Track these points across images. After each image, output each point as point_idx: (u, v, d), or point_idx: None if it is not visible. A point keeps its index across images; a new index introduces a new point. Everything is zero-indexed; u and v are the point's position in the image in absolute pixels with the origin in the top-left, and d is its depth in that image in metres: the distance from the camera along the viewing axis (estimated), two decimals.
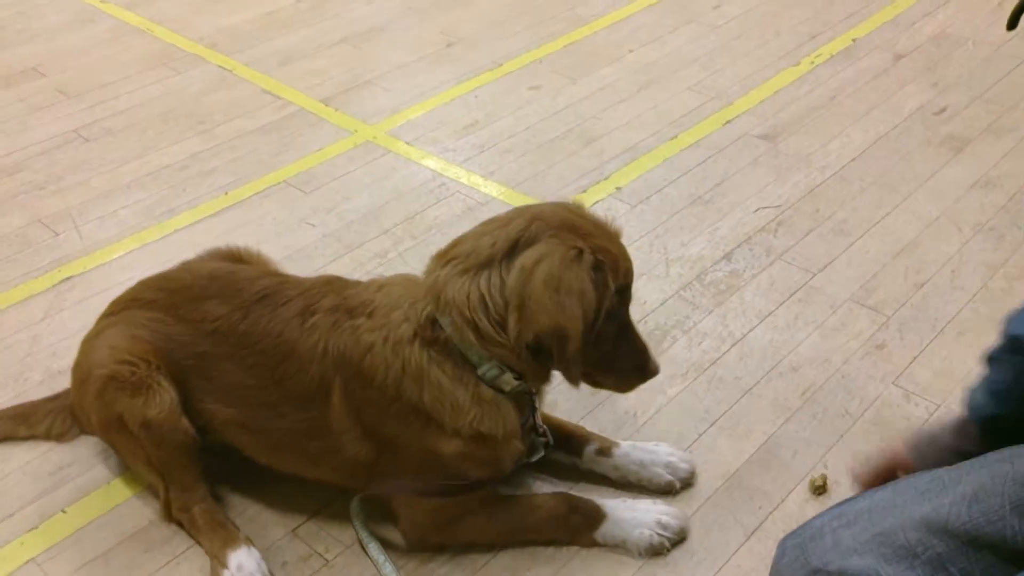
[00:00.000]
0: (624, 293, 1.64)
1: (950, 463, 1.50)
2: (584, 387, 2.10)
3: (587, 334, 1.55)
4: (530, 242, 1.56)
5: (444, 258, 1.64)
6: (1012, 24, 1.44)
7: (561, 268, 1.52)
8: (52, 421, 2.04)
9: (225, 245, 2.07)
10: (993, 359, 1.45)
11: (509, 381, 1.65)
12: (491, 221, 1.65)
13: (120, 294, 1.95)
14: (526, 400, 1.74)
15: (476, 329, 1.58)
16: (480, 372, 1.63)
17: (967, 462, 1.36)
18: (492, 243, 1.58)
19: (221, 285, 1.82)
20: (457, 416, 1.64)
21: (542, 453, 1.82)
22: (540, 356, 1.59)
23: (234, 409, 1.80)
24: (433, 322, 1.62)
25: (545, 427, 1.82)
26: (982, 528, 1.24)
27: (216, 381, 1.80)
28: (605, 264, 1.56)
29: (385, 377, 1.64)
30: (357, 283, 1.79)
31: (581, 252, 1.54)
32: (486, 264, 1.58)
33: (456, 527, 1.77)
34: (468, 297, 1.57)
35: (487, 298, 1.56)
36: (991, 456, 1.33)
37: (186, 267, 1.98)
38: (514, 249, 1.56)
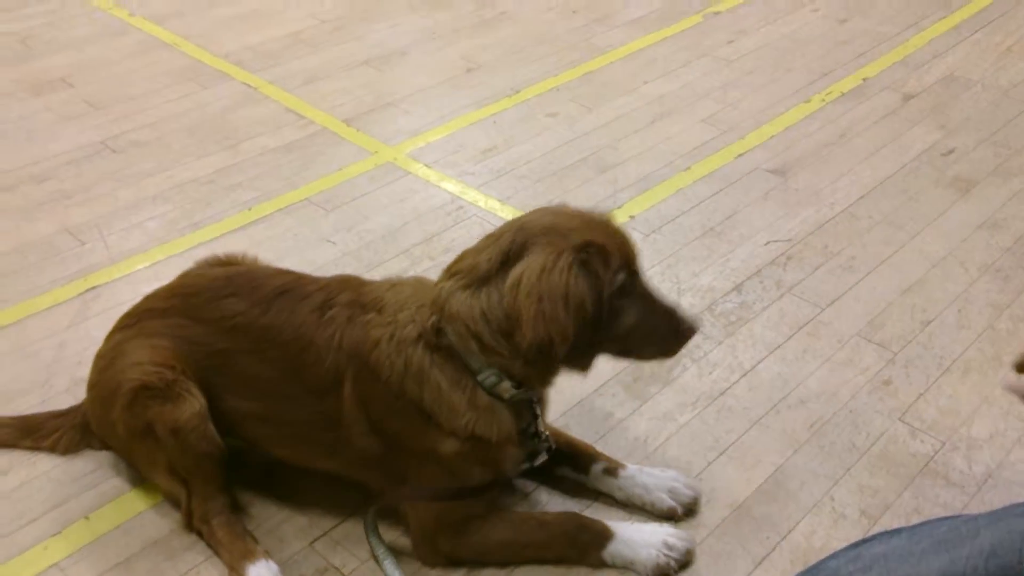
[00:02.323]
0: (629, 270, 1.69)
1: None
2: (593, 413, 2.17)
3: (591, 324, 1.62)
4: (518, 255, 1.65)
5: (450, 271, 1.73)
6: None
7: (541, 276, 1.59)
8: (59, 437, 2.07)
9: (223, 253, 2.11)
10: None
11: (507, 389, 1.72)
12: (488, 236, 1.74)
13: (130, 308, 1.99)
14: (526, 407, 1.81)
15: (479, 340, 1.67)
16: (480, 378, 1.71)
17: (985, 514, 1.40)
18: (488, 259, 1.67)
19: (239, 284, 1.89)
20: (453, 418, 1.72)
21: (544, 457, 1.87)
22: (543, 360, 1.66)
23: (253, 403, 1.87)
24: (439, 330, 1.70)
25: (547, 433, 1.87)
26: None
27: (236, 376, 1.86)
28: (592, 256, 1.62)
29: (390, 373, 1.72)
30: (372, 281, 1.88)
31: (560, 253, 1.60)
32: (484, 280, 1.67)
33: (465, 533, 1.82)
34: (472, 312, 1.66)
35: (487, 313, 1.66)
36: (1010, 509, 1.37)
37: (194, 273, 2.03)
38: (506, 263, 1.65)
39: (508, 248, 1.66)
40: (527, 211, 1.57)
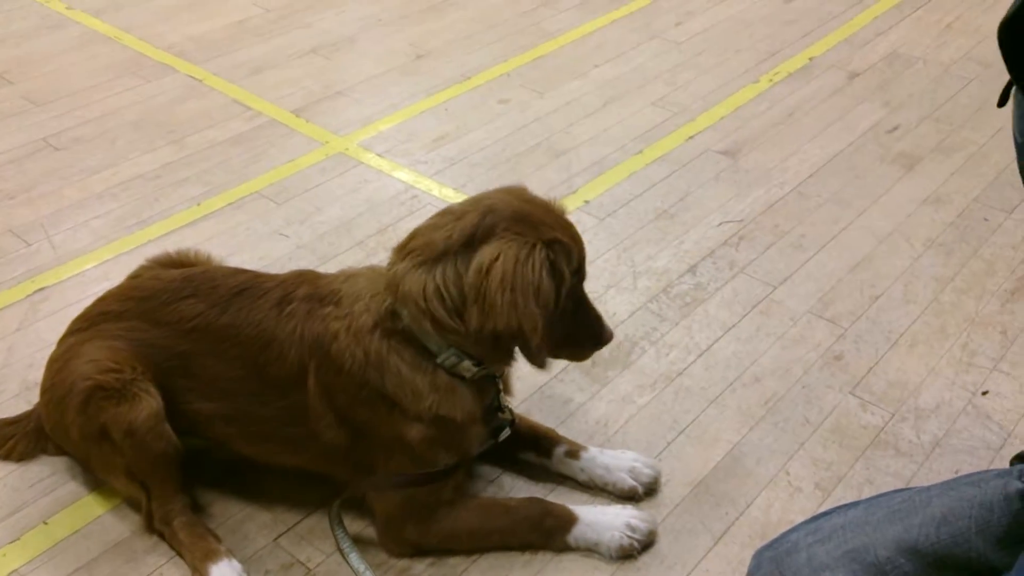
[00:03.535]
0: (579, 273, 1.72)
1: None
2: (554, 398, 2.19)
3: (549, 321, 1.64)
4: (485, 236, 1.63)
5: (403, 251, 1.71)
6: (1002, 102, 1.44)
7: (516, 267, 1.59)
8: (13, 445, 2.04)
9: (174, 250, 2.08)
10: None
11: (468, 368, 1.73)
12: (445, 213, 1.71)
13: (82, 312, 1.96)
14: (489, 383, 1.82)
15: (433, 319, 1.66)
16: (440, 360, 1.72)
17: (938, 484, 1.45)
18: (447, 236, 1.65)
19: (196, 285, 1.87)
20: (417, 401, 1.72)
21: (508, 432, 1.89)
22: (501, 344, 1.67)
23: (218, 403, 1.85)
24: (393, 314, 1.70)
25: (508, 406, 1.89)
26: (949, 549, 1.32)
27: (199, 378, 1.85)
28: (559, 254, 1.64)
29: (352, 364, 1.72)
30: (327, 274, 1.87)
31: (535, 246, 1.61)
32: (441, 257, 1.64)
33: (431, 521, 1.82)
34: (424, 289, 1.65)
35: (443, 290, 1.64)
36: (961, 479, 1.42)
37: (149, 275, 1.99)
38: (471, 242, 1.63)
39: (474, 229, 1.63)
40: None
